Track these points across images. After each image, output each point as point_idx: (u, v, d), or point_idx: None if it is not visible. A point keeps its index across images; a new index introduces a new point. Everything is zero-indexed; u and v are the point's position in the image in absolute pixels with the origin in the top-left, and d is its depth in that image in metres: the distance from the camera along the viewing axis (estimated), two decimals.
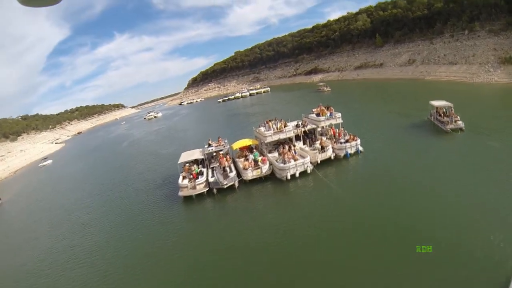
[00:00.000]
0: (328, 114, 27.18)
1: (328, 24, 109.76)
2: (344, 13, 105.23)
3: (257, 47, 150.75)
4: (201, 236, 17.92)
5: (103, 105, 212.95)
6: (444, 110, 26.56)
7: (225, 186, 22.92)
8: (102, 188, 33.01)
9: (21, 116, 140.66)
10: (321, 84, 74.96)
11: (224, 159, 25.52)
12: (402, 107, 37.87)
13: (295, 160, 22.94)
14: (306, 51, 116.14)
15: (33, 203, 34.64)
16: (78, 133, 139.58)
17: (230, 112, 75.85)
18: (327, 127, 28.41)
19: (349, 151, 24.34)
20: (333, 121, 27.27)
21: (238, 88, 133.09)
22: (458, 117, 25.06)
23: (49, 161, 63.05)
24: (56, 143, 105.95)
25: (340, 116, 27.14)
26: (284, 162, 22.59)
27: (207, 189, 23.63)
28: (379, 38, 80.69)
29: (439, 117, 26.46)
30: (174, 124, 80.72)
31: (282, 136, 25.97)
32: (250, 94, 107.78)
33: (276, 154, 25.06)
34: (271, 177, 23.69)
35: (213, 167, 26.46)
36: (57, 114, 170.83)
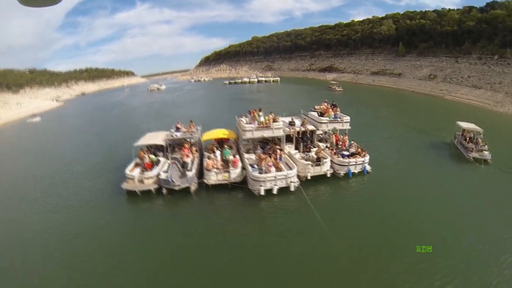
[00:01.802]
0: (332, 116, 20.86)
1: (351, 24, 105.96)
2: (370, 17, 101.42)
3: (275, 36, 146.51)
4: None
5: (113, 70, 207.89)
6: (472, 135, 21.83)
7: (176, 188, 17.22)
8: (61, 159, 28.07)
9: (28, 69, 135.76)
10: (333, 82, 70.78)
11: (187, 151, 19.47)
12: (420, 123, 33.01)
13: (277, 169, 16.82)
14: (324, 48, 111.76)
15: None
16: (82, 94, 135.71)
17: (233, 95, 71.16)
18: (330, 132, 22.18)
19: (353, 170, 18.22)
20: (338, 126, 21.09)
21: (249, 74, 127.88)
22: (486, 146, 20.25)
23: (38, 119, 60.06)
24: (56, 100, 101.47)
25: (348, 120, 20.99)
26: (261, 170, 16.46)
27: (157, 186, 17.90)
28: (402, 47, 76.70)
29: (463, 141, 21.86)
30: (172, 99, 76.56)
31: (268, 133, 19.68)
32: (258, 81, 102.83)
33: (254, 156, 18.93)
34: (242, 187, 17.52)
35: (174, 159, 20.31)
36: (65, 73, 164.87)
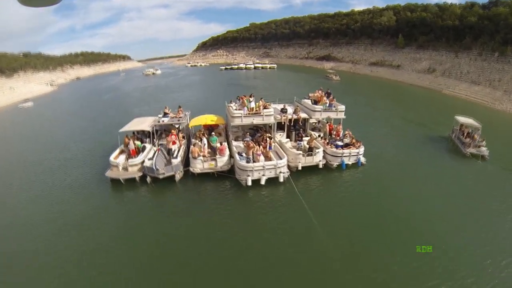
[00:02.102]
0: (327, 105, 19.93)
1: (351, 14, 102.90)
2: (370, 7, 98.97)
3: (273, 23, 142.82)
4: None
5: (109, 53, 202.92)
6: (470, 130, 21.08)
7: (160, 177, 16.43)
8: (50, 145, 26.98)
9: (23, 53, 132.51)
10: (331, 71, 69.78)
11: (174, 137, 18.55)
12: (418, 116, 32.09)
13: (266, 159, 16.00)
14: (322, 36, 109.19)
15: None
16: (77, 78, 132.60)
17: (228, 81, 69.88)
18: (323, 121, 21.31)
19: (346, 161, 17.37)
20: (333, 115, 20.18)
21: (246, 60, 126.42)
22: (484, 142, 19.69)
23: (30, 103, 59.03)
24: (51, 85, 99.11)
25: (344, 109, 20.05)
26: (248, 159, 15.61)
27: (141, 174, 17.08)
28: (402, 39, 74.86)
29: (461, 136, 21.21)
30: (166, 83, 75.26)
31: (258, 120, 18.68)
32: (255, 67, 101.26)
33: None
34: (229, 176, 16.67)
35: (160, 146, 19.40)
36: (60, 56, 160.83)
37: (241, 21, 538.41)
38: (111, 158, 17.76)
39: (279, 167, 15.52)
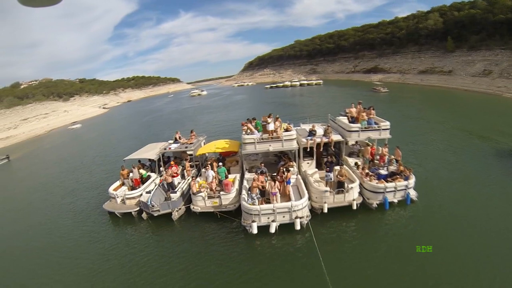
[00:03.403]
0: (366, 122, 15.68)
1: (395, 21, 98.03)
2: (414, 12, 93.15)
3: (318, 38, 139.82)
4: None
5: (159, 77, 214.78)
6: None
7: (155, 214, 13.91)
8: (74, 168, 27.91)
9: (79, 79, 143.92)
10: (378, 83, 65.89)
11: (175, 168, 15.75)
12: (478, 126, 26.55)
13: (284, 198, 12.28)
14: (367, 48, 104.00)
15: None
16: (128, 101, 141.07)
17: (271, 99, 67.66)
18: (364, 142, 17.01)
19: (391, 198, 12.89)
20: (374, 134, 15.72)
21: (292, 77, 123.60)
22: None
23: (78, 125, 63.82)
24: (103, 107, 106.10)
25: (388, 126, 15.52)
26: (253, 199, 11.97)
27: (138, 209, 14.76)
28: (451, 42, 68.41)
29: None
30: (208, 104, 75.05)
31: (276, 146, 14.81)
32: (301, 84, 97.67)
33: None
34: (233, 219, 13.14)
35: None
36: (113, 81, 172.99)
37: (287, 39, 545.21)
38: (110, 189, 16.00)
39: (295, 210, 11.60)
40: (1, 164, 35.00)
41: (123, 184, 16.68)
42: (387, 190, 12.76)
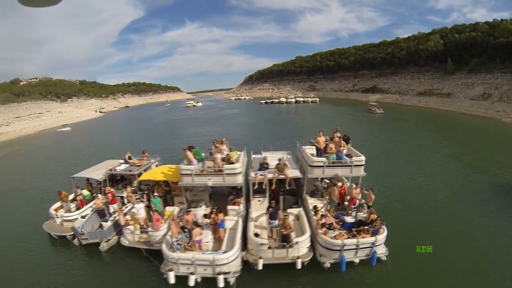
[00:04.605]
0: (334, 156, 13.47)
1: (396, 42, 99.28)
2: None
3: (319, 55, 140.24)
4: None
5: (159, 85, 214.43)
6: None
7: (83, 242, 12.42)
8: (48, 173, 26.71)
9: (79, 81, 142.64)
10: (373, 104, 65.27)
11: (110, 195, 13.76)
12: (476, 154, 25.26)
13: (216, 244, 10.09)
14: (367, 67, 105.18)
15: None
16: (125, 106, 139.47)
17: (261, 116, 66.91)
18: (334, 180, 14.43)
19: (350, 257, 10.47)
20: (344, 171, 13.53)
21: (291, 93, 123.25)
22: None
23: (68, 128, 62.73)
24: (100, 111, 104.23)
25: (363, 162, 13.32)
26: (173, 244, 9.89)
27: (72, 233, 13.17)
28: (451, 64, 69.30)
29: None
30: (198, 116, 74.06)
31: (216, 181, 12.72)
32: (296, 101, 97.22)
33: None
34: (155, 262, 11.04)
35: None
36: (113, 85, 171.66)
37: (289, 55, 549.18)
38: (51, 209, 14.49)
39: (218, 265, 9.47)
40: None
41: (73, 200, 15.07)
42: (346, 248, 10.24)
